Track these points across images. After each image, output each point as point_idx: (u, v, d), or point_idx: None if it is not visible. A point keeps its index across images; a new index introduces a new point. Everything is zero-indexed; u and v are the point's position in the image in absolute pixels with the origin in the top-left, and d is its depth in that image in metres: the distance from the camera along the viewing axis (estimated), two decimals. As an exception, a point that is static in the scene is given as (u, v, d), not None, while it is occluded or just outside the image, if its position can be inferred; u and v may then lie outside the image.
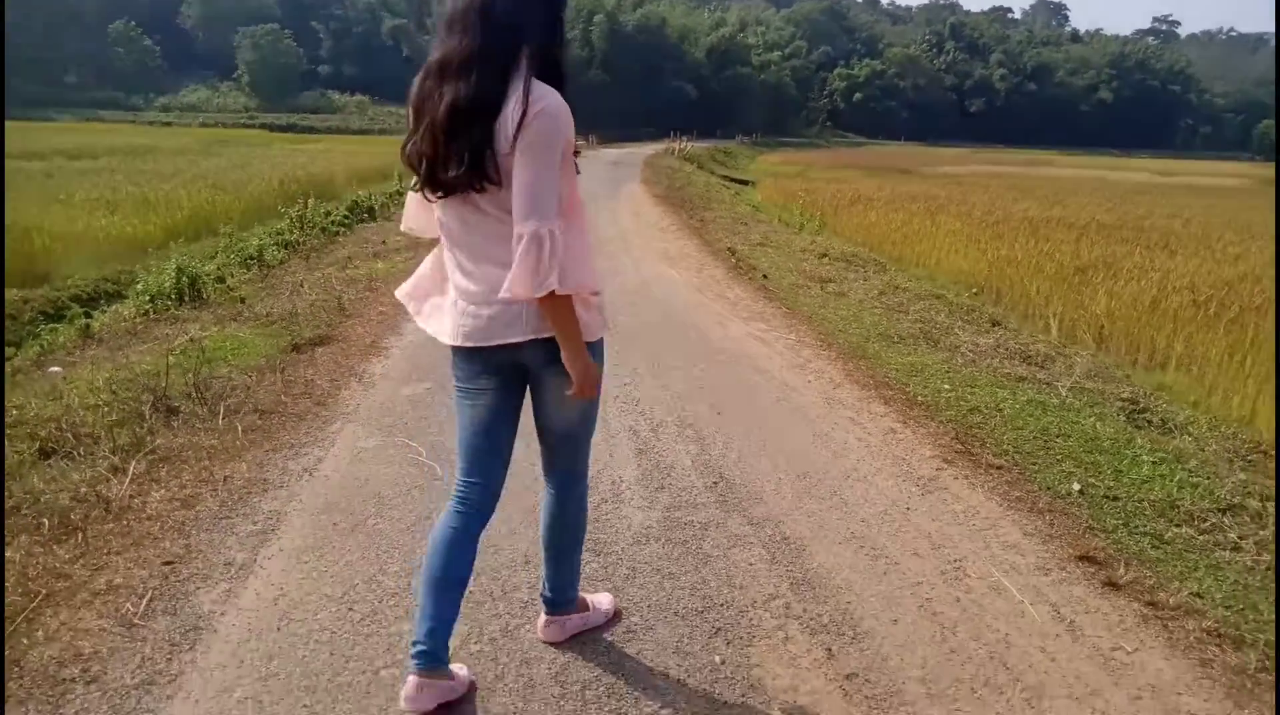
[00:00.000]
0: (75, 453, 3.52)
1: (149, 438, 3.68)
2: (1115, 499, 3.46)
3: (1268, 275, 10.77)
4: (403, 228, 2.24)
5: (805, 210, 18.09)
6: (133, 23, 61.86)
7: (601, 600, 2.53)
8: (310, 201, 12.17)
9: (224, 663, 2.26)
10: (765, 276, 8.50)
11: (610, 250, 9.42)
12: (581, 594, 2.47)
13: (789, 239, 11.84)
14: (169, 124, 48.39)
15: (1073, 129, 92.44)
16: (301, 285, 7.26)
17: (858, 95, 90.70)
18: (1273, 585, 2.82)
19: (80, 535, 2.84)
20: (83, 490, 3.14)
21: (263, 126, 49.53)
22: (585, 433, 2.29)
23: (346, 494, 3.27)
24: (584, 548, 2.85)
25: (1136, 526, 3.22)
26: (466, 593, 2.60)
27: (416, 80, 1.97)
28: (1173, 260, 11.93)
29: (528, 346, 2.02)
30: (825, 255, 10.25)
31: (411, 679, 2.08)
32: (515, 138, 1.83)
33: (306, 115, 56.71)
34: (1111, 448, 4.06)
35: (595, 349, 2.07)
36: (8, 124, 34.82)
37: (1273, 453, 4.46)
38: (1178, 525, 3.26)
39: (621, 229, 11.83)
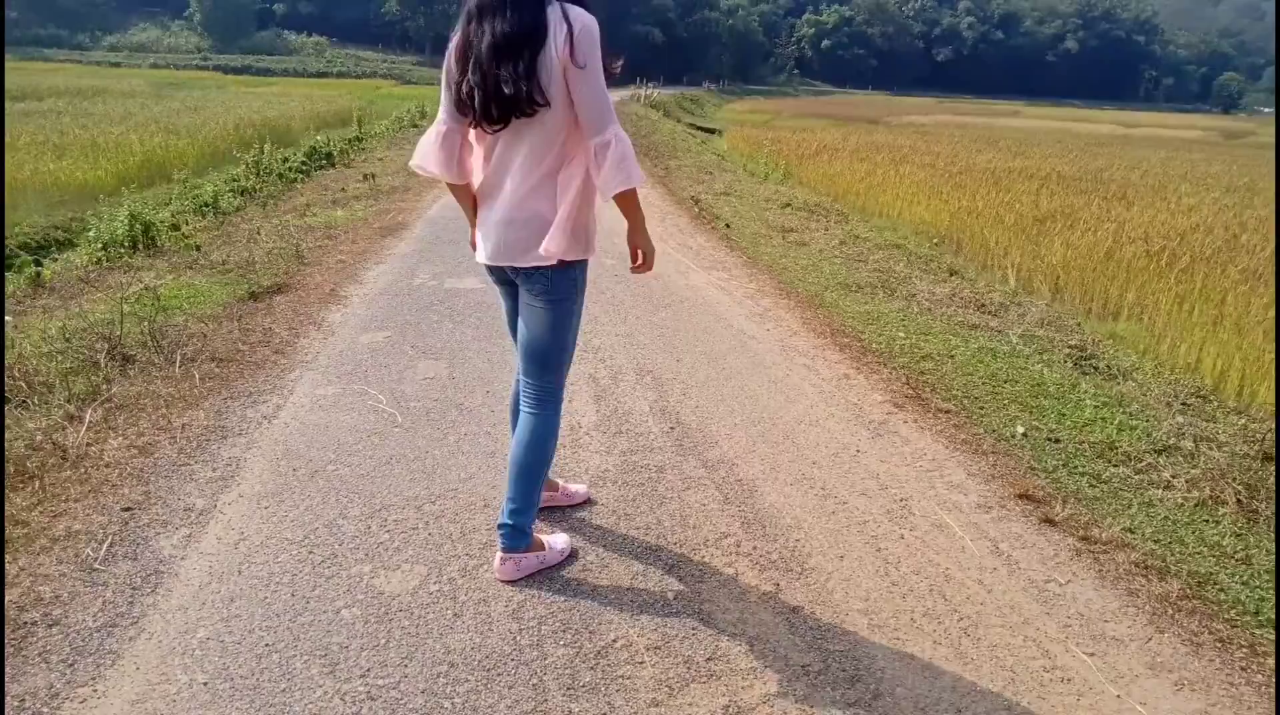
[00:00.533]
0: (30, 401, 3.49)
1: (105, 386, 3.66)
2: (1057, 441, 3.59)
3: (1220, 223, 11.02)
4: (413, 165, 2.39)
5: (770, 159, 18.07)
6: (77, -43, 59.30)
7: (557, 540, 2.60)
8: (267, 147, 11.92)
9: (185, 605, 2.30)
10: (728, 226, 8.53)
11: (573, 199, 9.36)
12: (537, 535, 2.54)
13: (753, 188, 11.84)
14: (117, 65, 46.68)
15: (1039, 79, 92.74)
16: (258, 233, 7.16)
17: (826, 43, 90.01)
18: (1200, 520, 2.97)
19: (37, 482, 2.84)
20: (38, 438, 3.13)
21: (216, 68, 48.03)
22: (554, 351, 2.42)
23: (306, 441, 3.29)
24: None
25: (1075, 467, 3.35)
26: (427, 534, 2.67)
27: (458, 27, 2.18)
28: (1129, 211, 12.12)
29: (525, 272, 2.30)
30: (788, 205, 10.28)
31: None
32: (570, 54, 2.07)
33: (262, 57, 55.00)
34: (1057, 392, 4.19)
35: (582, 268, 2.36)
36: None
37: (1211, 397, 4.64)
38: (1115, 465, 3.40)
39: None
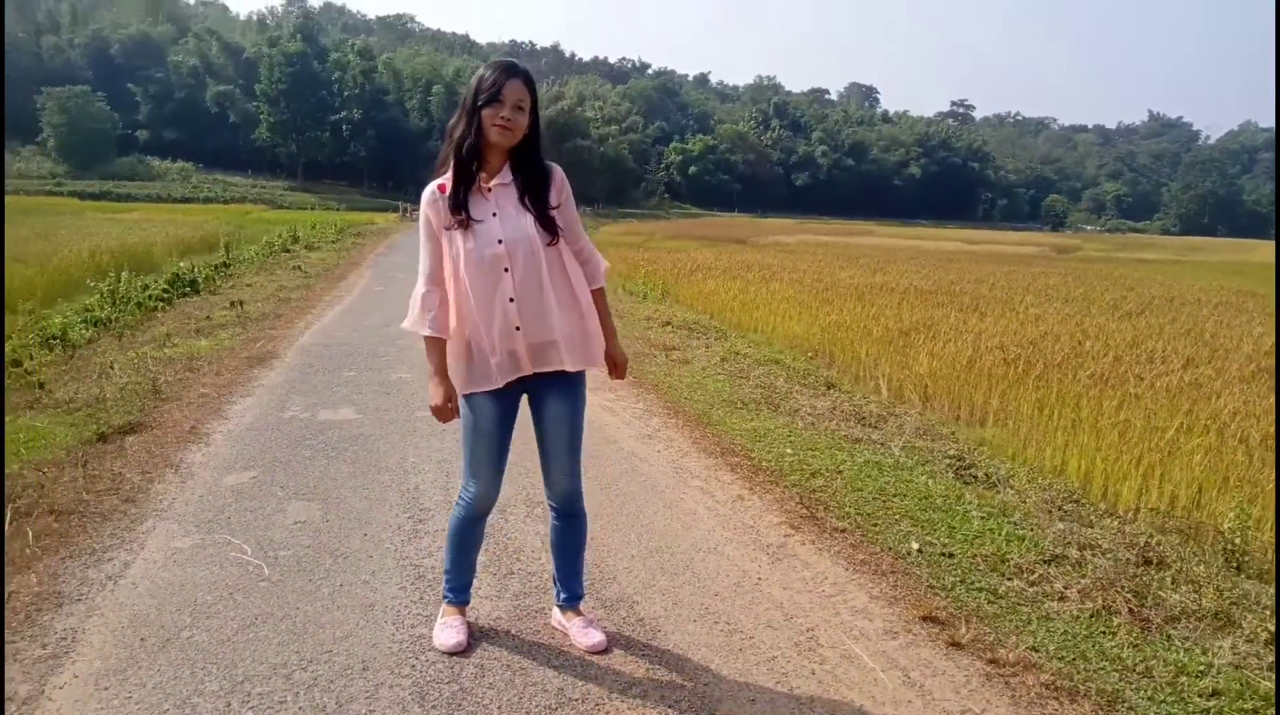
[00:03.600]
0: None
1: (-85, 551, 3.20)
2: (951, 556, 3.61)
3: (1065, 331, 11.85)
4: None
5: (648, 279, 18.51)
6: (-84, 80, 56.60)
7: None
8: (125, 275, 11.33)
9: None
10: (611, 346, 8.54)
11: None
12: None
13: (633, 307, 12.03)
14: (-40, 191, 44.15)
15: (889, 201, 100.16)
16: (112, 366, 6.67)
17: (693, 168, 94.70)
18: (1097, 632, 2.99)
19: None
20: None
21: (72, 194, 46.15)
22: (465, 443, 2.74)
23: (157, 603, 2.93)
24: (428, 646, 2.69)
25: (972, 582, 3.36)
26: (297, 708, 2.38)
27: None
28: (983, 322, 12.89)
29: None
30: (669, 323, 10.46)
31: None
32: None
33: (123, 182, 53.32)
34: (944, 505, 4.25)
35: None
36: None
37: (1083, 500, 4.81)
38: (1009, 578, 3.42)
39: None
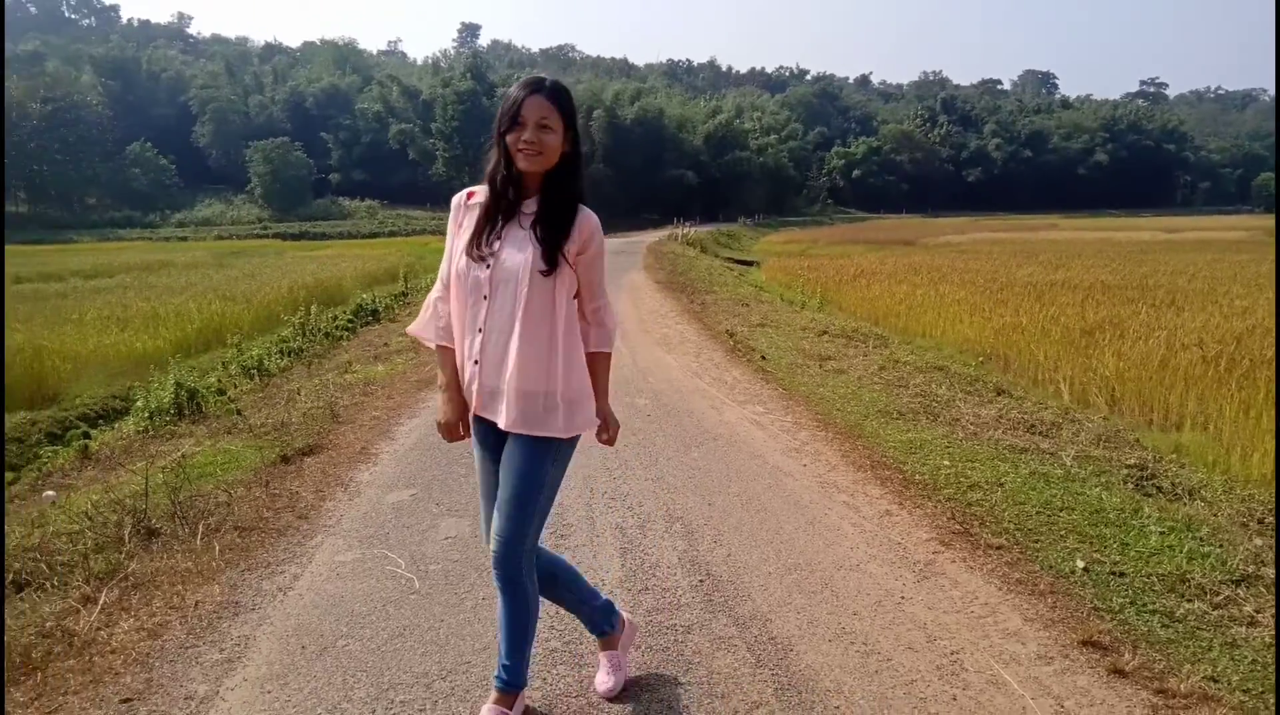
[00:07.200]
0: (49, 584, 3.44)
1: (125, 563, 3.60)
2: (1121, 575, 3.31)
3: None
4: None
5: (807, 287, 18.19)
6: (149, 143, 64.13)
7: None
8: (314, 308, 12.33)
9: (172, 810, 2.13)
10: (764, 357, 8.46)
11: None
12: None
13: (790, 318, 11.84)
14: (184, 239, 49.61)
15: (1073, 192, 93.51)
16: (298, 393, 7.27)
17: (856, 172, 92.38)
18: (1293, 664, 2.65)
19: (39, 675, 2.74)
20: (49, 625, 3.05)
21: (276, 236, 50.72)
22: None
23: (319, 613, 3.16)
24: (561, 661, 2.75)
25: (1144, 605, 3.06)
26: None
27: None
28: (1180, 317, 11.82)
29: None
30: (825, 332, 10.21)
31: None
32: None
33: (318, 222, 58.11)
34: (1117, 519, 3.91)
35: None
36: (30, 250, 35.87)
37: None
38: (1189, 600, 3.10)
39: (620, 317, 11.86)
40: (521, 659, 2.46)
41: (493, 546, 2.34)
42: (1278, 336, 8.19)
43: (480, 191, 2.35)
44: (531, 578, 2.41)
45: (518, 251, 2.25)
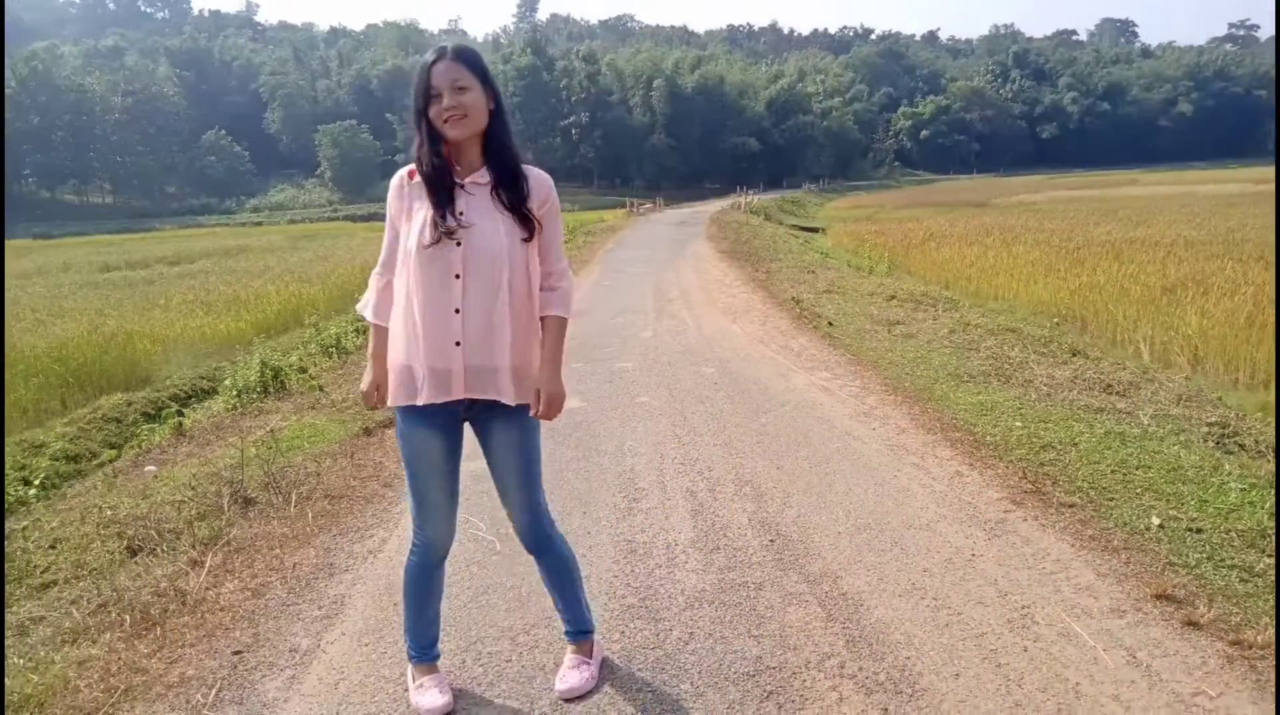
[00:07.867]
0: (159, 549, 3.70)
1: (226, 530, 3.85)
2: (1199, 531, 3.27)
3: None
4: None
5: (874, 252, 17.94)
6: (223, 131, 66.15)
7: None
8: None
9: (285, 749, 2.31)
10: (830, 324, 8.43)
11: (673, 309, 9.48)
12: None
13: (857, 283, 11.73)
14: (259, 223, 51.22)
15: (1153, 146, 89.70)
16: (376, 369, 7.51)
17: (924, 133, 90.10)
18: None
19: (159, 629, 2.97)
20: (163, 585, 3.29)
21: (345, 218, 51.96)
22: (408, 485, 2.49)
23: (408, 573, 3.33)
24: (638, 616, 2.86)
25: (1222, 560, 3.03)
26: (520, 667, 2.62)
27: None
28: (1269, 272, 11.34)
29: None
30: (894, 297, 10.10)
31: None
32: None
33: (385, 203, 59.32)
34: (1196, 476, 3.85)
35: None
36: (117, 239, 37.46)
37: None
38: (1269, 555, 3.06)
39: (684, 288, 11.92)
40: (580, 606, 2.57)
41: (519, 522, 2.48)
42: (1278, 320, 7.82)
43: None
44: (555, 531, 2.54)
45: (489, 223, 2.20)
